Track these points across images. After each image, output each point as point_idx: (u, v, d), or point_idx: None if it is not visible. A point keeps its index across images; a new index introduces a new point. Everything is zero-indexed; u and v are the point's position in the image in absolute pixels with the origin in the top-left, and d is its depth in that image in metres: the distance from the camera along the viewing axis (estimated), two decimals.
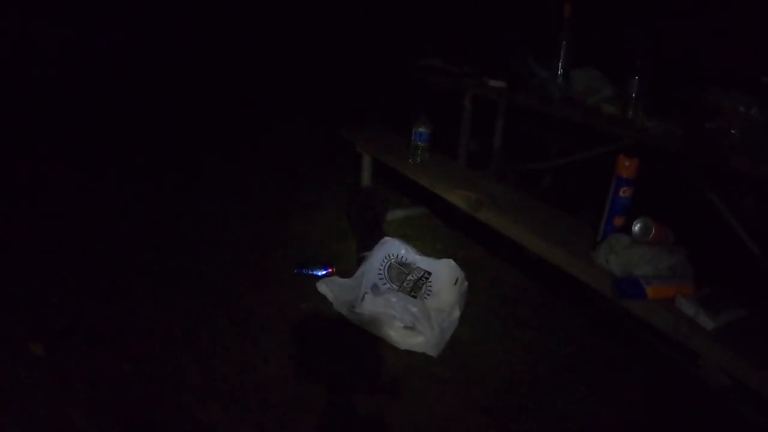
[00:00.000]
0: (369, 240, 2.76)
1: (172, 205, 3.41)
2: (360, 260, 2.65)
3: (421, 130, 2.83)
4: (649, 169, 2.04)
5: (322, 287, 2.48)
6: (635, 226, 1.85)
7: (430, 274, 2.49)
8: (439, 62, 3.67)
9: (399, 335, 2.20)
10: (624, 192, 1.92)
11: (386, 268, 2.49)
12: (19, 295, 2.35)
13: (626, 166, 1.91)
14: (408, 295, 2.34)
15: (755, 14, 2.52)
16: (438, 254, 2.61)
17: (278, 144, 4.75)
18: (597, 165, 2.61)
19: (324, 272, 2.62)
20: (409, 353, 2.15)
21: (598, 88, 2.73)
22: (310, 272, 2.64)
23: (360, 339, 2.22)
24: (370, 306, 2.26)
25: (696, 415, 1.97)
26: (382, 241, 2.57)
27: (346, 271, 2.61)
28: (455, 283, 2.41)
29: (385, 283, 2.44)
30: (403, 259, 2.53)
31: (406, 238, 2.97)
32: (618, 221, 1.95)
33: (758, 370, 1.50)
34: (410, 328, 2.20)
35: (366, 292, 2.30)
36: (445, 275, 2.46)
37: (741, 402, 1.92)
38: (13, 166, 3.67)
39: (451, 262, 2.49)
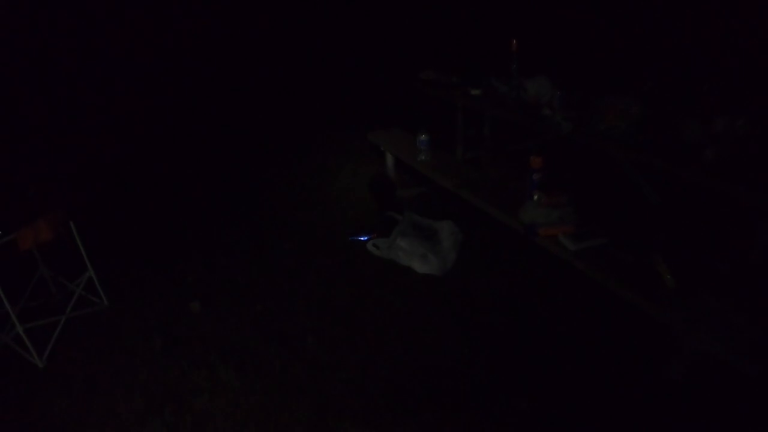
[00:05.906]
0: (386, 204, 4.09)
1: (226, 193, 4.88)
2: (381, 217, 3.98)
3: (422, 138, 4.16)
4: (565, 155, 3.28)
5: (370, 246, 3.83)
6: (534, 196, 3.18)
7: (436, 230, 3.85)
8: (433, 74, 4.37)
9: (418, 263, 3.56)
10: (535, 176, 3.23)
11: (410, 226, 3.84)
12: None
13: (535, 161, 3.22)
14: (424, 240, 3.70)
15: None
16: (440, 218, 3.91)
17: (315, 147, 6.00)
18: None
19: (368, 237, 3.94)
20: (424, 277, 3.47)
21: (545, 93, 3.60)
22: (359, 238, 3.96)
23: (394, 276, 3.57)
24: (402, 243, 3.62)
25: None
26: (406, 214, 3.94)
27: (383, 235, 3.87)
28: (452, 234, 3.76)
29: (409, 233, 3.78)
30: (419, 223, 3.91)
31: (417, 208, 4.24)
32: (534, 194, 3.27)
33: (601, 272, 2.78)
34: (424, 257, 3.54)
35: (398, 236, 3.66)
36: (446, 230, 3.80)
37: None
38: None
39: (450, 221, 3.83)
